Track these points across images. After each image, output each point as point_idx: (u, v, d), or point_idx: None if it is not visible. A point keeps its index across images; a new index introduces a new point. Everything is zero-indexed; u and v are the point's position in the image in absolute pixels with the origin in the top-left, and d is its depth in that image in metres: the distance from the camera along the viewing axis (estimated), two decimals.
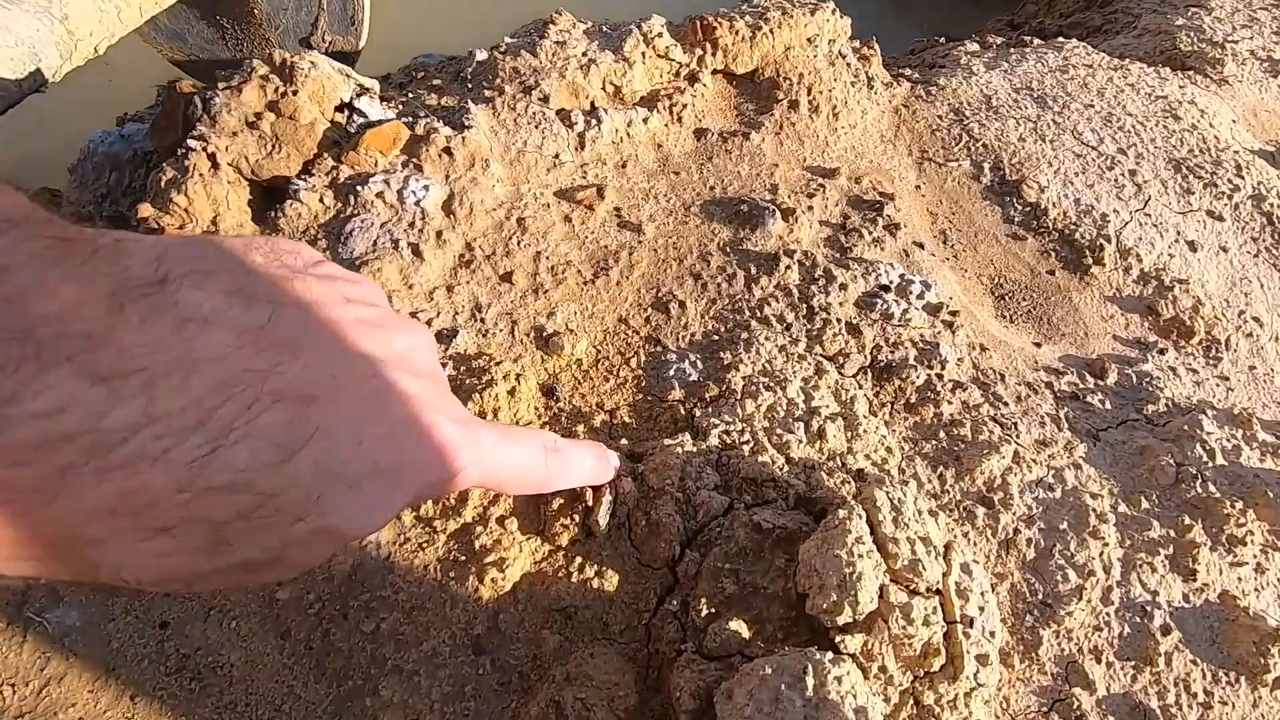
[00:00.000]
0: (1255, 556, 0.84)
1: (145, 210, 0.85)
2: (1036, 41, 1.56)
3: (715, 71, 1.21)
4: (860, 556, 0.64)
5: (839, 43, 1.28)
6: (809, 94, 1.20)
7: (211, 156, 0.87)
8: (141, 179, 1.00)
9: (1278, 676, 0.75)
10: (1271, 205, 1.20)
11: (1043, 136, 1.26)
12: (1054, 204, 1.17)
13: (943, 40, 1.69)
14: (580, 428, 0.84)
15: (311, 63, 0.93)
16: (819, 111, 1.20)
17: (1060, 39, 1.52)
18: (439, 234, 0.92)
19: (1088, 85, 1.37)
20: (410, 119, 0.99)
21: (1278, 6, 1.65)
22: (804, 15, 1.22)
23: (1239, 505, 0.86)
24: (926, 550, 0.68)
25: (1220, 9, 1.64)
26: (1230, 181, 1.22)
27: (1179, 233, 1.16)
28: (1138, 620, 0.79)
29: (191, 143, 0.86)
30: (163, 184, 0.86)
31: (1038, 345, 1.05)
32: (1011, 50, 1.50)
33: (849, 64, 1.27)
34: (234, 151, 0.88)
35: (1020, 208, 1.17)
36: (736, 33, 1.18)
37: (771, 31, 1.19)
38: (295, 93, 0.91)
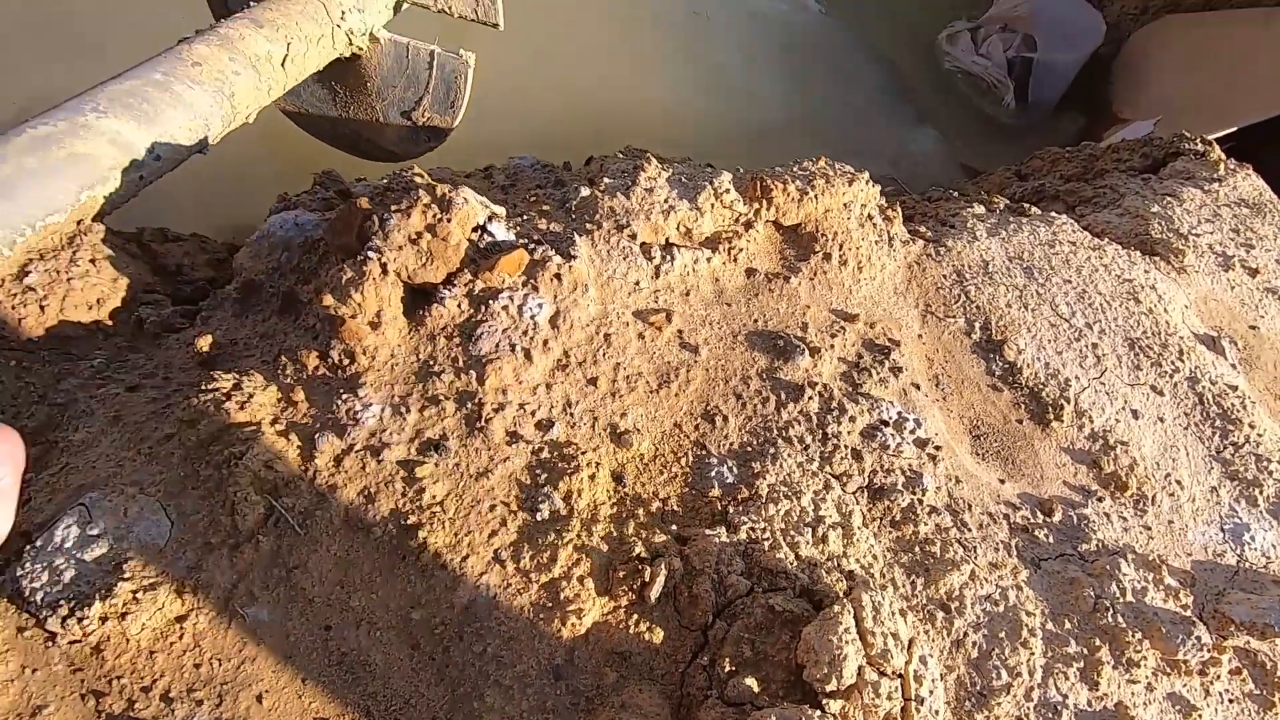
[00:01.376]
0: (1147, 677, 1.08)
1: (327, 299, 1.11)
2: (1035, 211, 1.85)
3: (767, 222, 1.49)
4: (847, 642, 0.89)
5: (869, 207, 1.56)
6: (840, 249, 1.48)
7: (383, 265, 1.13)
8: (309, 262, 1.26)
9: None
10: (1204, 388, 1.47)
11: (1026, 305, 1.53)
12: (1028, 364, 1.44)
13: (952, 195, 1.98)
14: (640, 510, 1.09)
15: (464, 198, 1.20)
16: (847, 264, 1.47)
17: (1052, 214, 1.81)
18: (545, 342, 1.17)
19: (1069, 262, 1.65)
20: (527, 241, 1.25)
21: (1238, 205, 1.95)
22: (843, 184, 1.50)
23: (1138, 635, 1.10)
24: (895, 643, 0.92)
25: (1190, 201, 1.94)
26: (1173, 363, 1.50)
27: (1126, 401, 1.43)
28: (1050, 716, 1.02)
29: (370, 254, 1.13)
30: (343, 281, 1.12)
31: (1002, 482, 1.31)
32: (1010, 219, 1.79)
33: (875, 225, 1.55)
34: (399, 262, 1.15)
35: (1001, 364, 1.44)
36: (788, 193, 1.46)
37: (816, 196, 1.47)
38: (449, 220, 1.17)
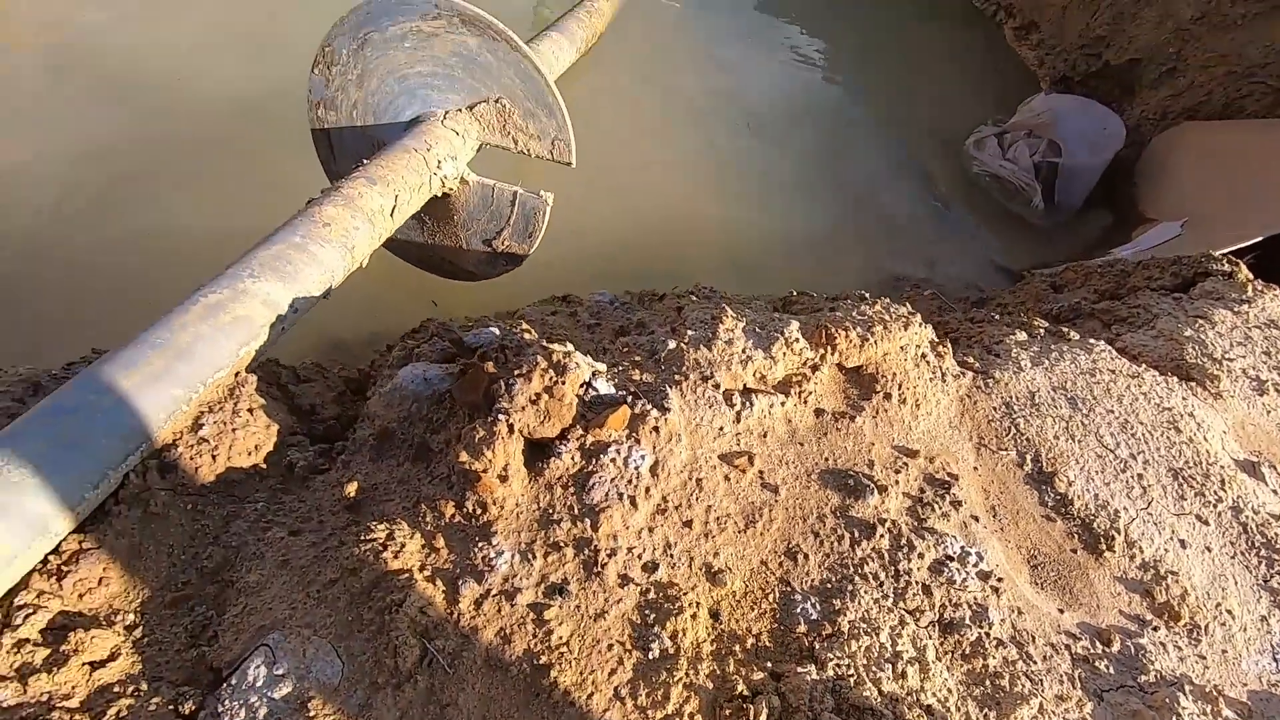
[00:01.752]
0: None
1: (463, 455, 1.30)
2: (1074, 336, 2.00)
3: (832, 365, 1.66)
4: None
5: (922, 347, 1.73)
6: (899, 388, 1.64)
7: (510, 425, 1.31)
8: (438, 414, 1.45)
9: None
10: (1248, 516, 1.58)
11: (1073, 436, 1.67)
12: (1079, 495, 1.56)
13: (993, 318, 2.14)
14: (736, 647, 1.23)
15: (576, 363, 1.39)
16: (905, 402, 1.63)
17: (1090, 341, 1.96)
18: (647, 490, 1.34)
19: (1110, 391, 1.79)
20: (626, 394, 1.43)
21: (1268, 326, 2.08)
22: (899, 329, 1.67)
23: None
24: None
25: (1221, 324, 2.08)
26: (1216, 493, 1.61)
27: (1173, 531, 1.54)
28: None
29: (499, 415, 1.32)
30: (476, 439, 1.30)
31: (1061, 611, 1.42)
32: (1052, 347, 1.94)
33: (929, 362, 1.72)
34: (522, 421, 1.33)
35: (1053, 495, 1.57)
36: (850, 340, 1.63)
37: (875, 341, 1.64)
38: (564, 382, 1.36)
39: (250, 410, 1.49)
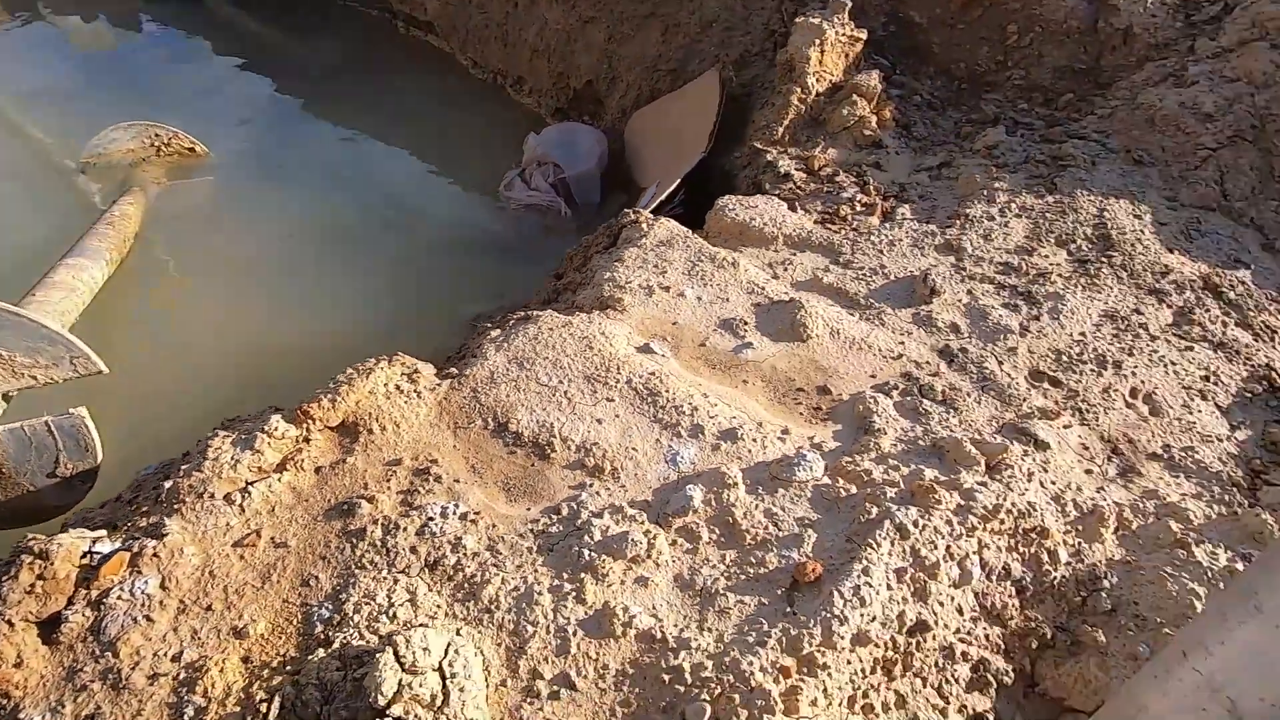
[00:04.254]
0: (617, 581, 1.76)
1: None
2: (534, 314, 2.66)
3: (321, 430, 2.10)
4: (385, 668, 1.44)
5: (394, 381, 2.24)
6: (379, 421, 2.12)
7: (10, 621, 1.55)
8: None
9: None
10: (638, 382, 2.29)
11: (518, 388, 2.27)
12: (527, 427, 2.16)
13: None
14: (267, 671, 1.58)
15: (59, 543, 1.66)
16: (386, 428, 2.12)
17: (536, 312, 2.63)
18: (161, 603, 1.65)
19: (547, 343, 2.45)
20: (128, 540, 1.73)
21: (659, 246, 2.93)
22: (363, 380, 2.16)
23: (605, 557, 1.79)
24: (425, 654, 1.50)
25: (629, 259, 2.88)
26: (615, 376, 2.30)
27: (592, 416, 2.19)
28: (562, 637, 1.65)
29: None
30: None
31: (529, 509, 1.98)
32: (513, 329, 2.57)
33: (403, 389, 2.23)
34: (22, 611, 1.57)
35: (510, 435, 2.14)
36: (323, 406, 2.09)
37: (343, 397, 2.11)
38: (53, 564, 1.63)
39: None
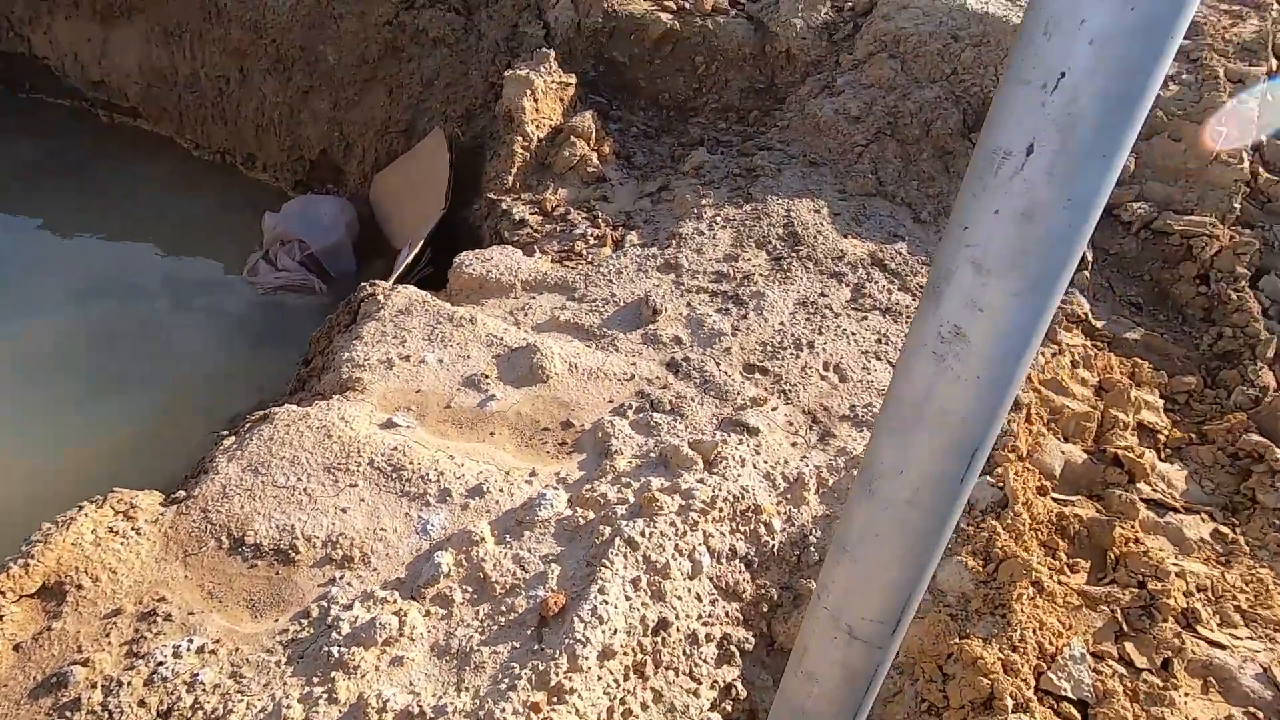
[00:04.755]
0: (369, 672, 1.78)
1: None
2: (272, 411, 2.57)
3: (17, 599, 1.90)
4: None
5: (105, 523, 2.07)
6: (88, 573, 1.96)
7: None
8: None
9: None
10: (380, 460, 2.31)
11: (254, 496, 2.20)
12: (266, 535, 2.09)
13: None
14: None
15: None
16: (100, 579, 1.96)
17: (274, 409, 2.55)
18: None
19: (285, 442, 2.38)
20: None
21: (398, 315, 2.96)
22: (60, 534, 1.98)
23: (356, 649, 1.80)
24: None
25: (367, 334, 2.88)
26: (358, 461, 2.31)
27: (337, 508, 2.18)
28: None
29: None
30: None
31: (276, 621, 1.93)
32: (249, 431, 2.47)
33: (119, 530, 2.07)
34: None
35: (249, 549, 2.07)
36: (13, 575, 1.88)
37: (39, 558, 1.92)
38: None
39: None
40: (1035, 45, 0.93)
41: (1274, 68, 3.93)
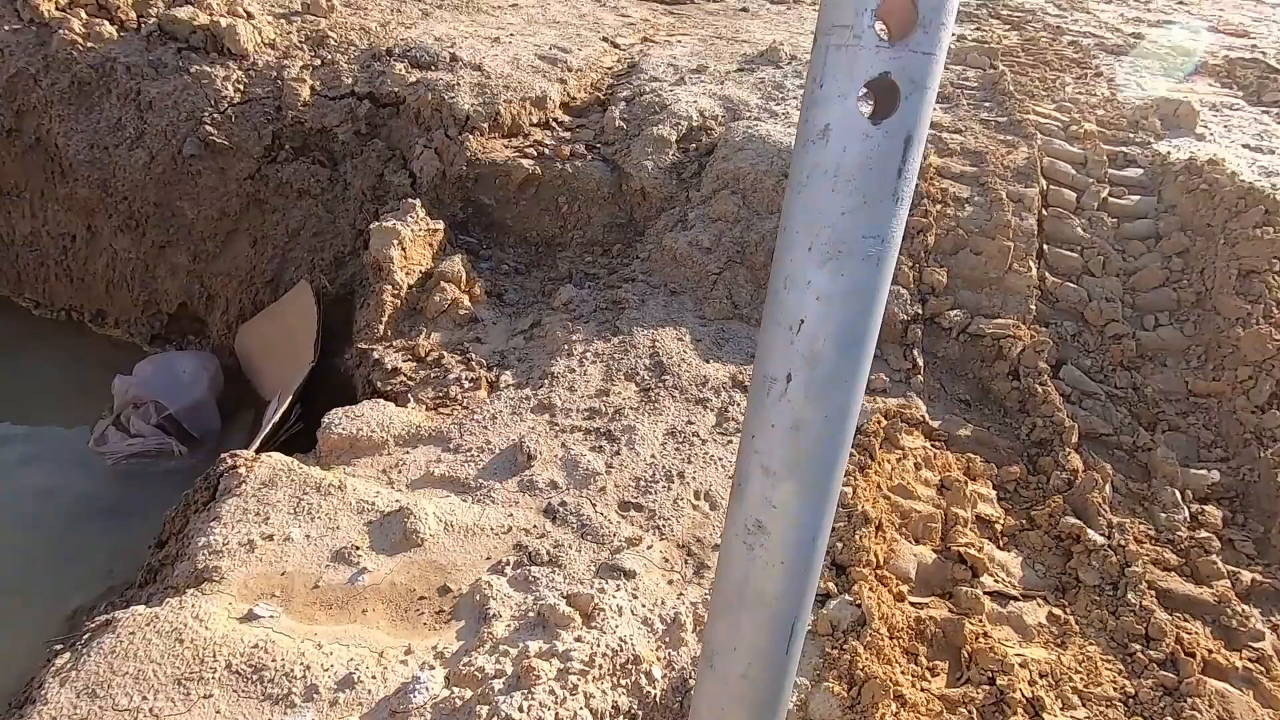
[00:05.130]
0: None
1: None
2: (116, 615, 2.36)
3: None
4: None
5: None
6: None
7: None
8: None
9: None
10: (239, 665, 2.18)
11: None
12: None
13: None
14: None
15: None
16: None
17: (119, 613, 2.35)
18: None
19: (129, 653, 2.20)
20: None
21: (261, 488, 2.85)
22: None
23: None
24: None
25: (227, 513, 2.75)
26: (214, 666, 2.16)
27: None
28: None
29: None
30: None
31: None
32: (88, 642, 2.26)
33: None
34: None
35: None
36: None
37: None
38: None
39: None
40: (779, 296, 1.13)
41: (1044, 188, 4.68)
